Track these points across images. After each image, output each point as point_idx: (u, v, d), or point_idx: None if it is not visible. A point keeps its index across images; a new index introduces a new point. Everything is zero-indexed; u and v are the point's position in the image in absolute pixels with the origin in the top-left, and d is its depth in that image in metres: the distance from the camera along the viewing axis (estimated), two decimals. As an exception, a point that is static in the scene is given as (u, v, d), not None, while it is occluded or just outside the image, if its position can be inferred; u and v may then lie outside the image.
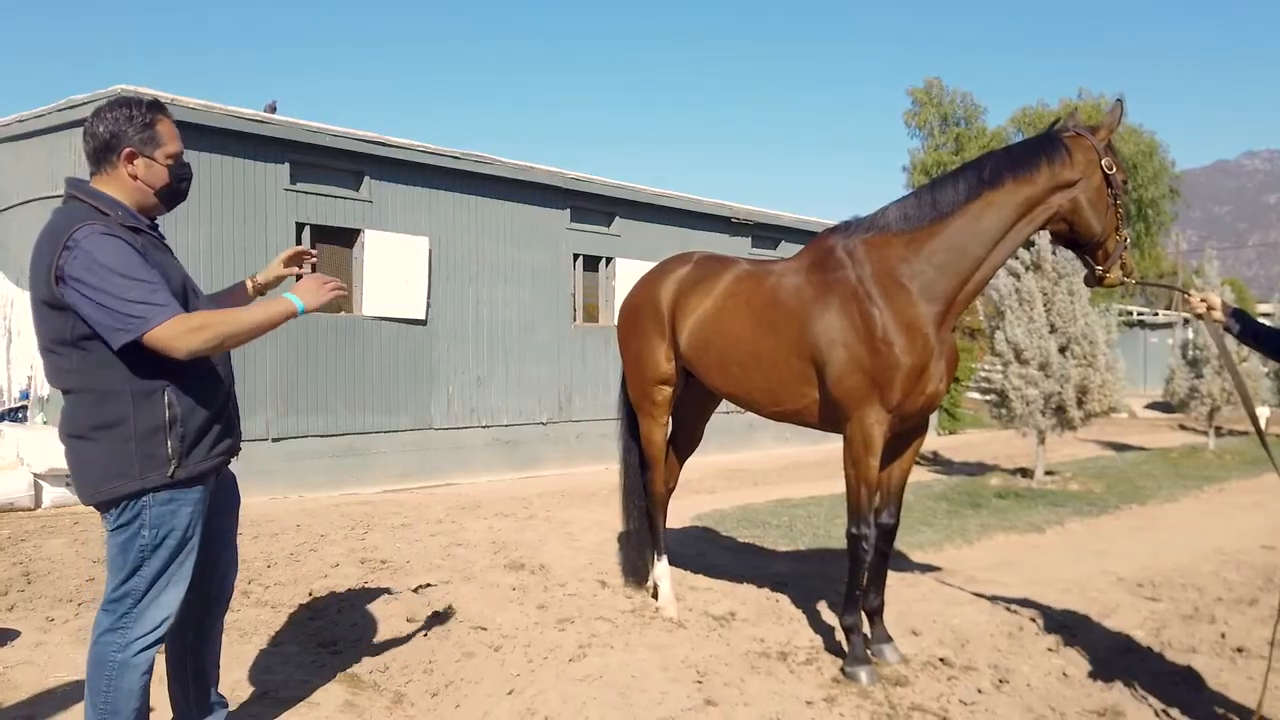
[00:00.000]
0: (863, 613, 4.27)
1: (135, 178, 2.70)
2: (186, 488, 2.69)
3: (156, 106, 2.75)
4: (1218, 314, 3.38)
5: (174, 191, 2.81)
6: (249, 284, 3.27)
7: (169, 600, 2.71)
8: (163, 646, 3.06)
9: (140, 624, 2.67)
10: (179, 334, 2.55)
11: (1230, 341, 3.63)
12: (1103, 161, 3.98)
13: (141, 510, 2.63)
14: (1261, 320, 3.53)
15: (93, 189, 2.69)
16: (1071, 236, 4.09)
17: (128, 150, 2.67)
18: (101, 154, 2.69)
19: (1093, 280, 4.12)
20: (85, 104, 8.76)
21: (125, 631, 2.65)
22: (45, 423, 9.16)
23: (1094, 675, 4.14)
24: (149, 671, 2.72)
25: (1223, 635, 4.72)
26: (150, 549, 2.65)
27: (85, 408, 2.61)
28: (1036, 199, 4.00)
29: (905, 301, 4.04)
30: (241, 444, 3.00)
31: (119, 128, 2.67)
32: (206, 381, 2.76)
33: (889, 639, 4.37)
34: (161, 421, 2.62)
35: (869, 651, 4.20)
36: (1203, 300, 3.42)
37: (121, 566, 2.65)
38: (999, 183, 3.99)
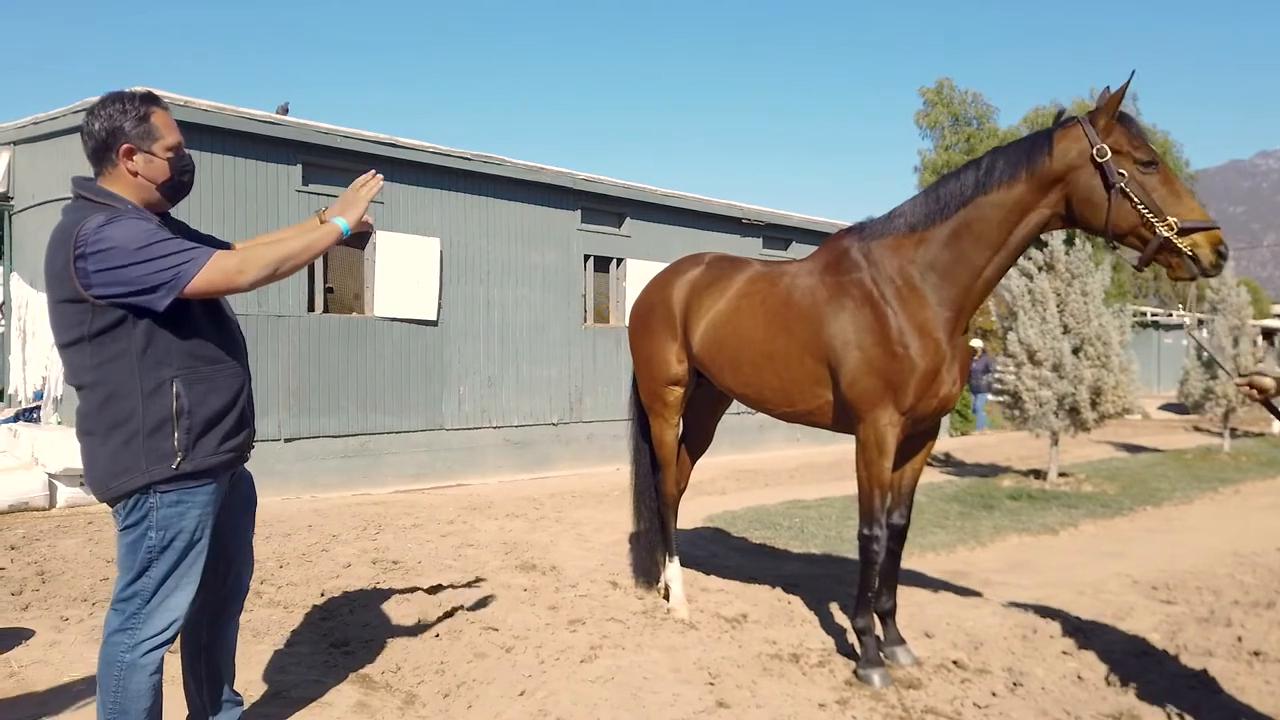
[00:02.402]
0: (875, 615, 4.25)
1: (136, 174, 2.68)
2: (194, 487, 2.68)
3: (150, 99, 2.71)
4: (1272, 390, 3.32)
5: (176, 184, 2.77)
6: (319, 219, 3.22)
7: (177, 603, 2.71)
8: (178, 646, 3.07)
9: (148, 625, 2.67)
10: (230, 268, 2.57)
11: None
12: (1094, 149, 3.66)
13: (149, 511, 2.63)
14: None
15: (99, 187, 2.68)
16: (1091, 231, 3.84)
17: (125, 146, 2.64)
18: (101, 153, 2.66)
19: (1172, 275, 3.69)
20: (99, 106, 8.81)
21: (134, 632, 2.66)
22: (60, 423, 9.22)
23: (1109, 679, 4.11)
24: (158, 672, 2.72)
25: (1239, 639, 4.67)
26: (158, 550, 2.65)
27: (97, 404, 2.62)
28: (1026, 203, 3.82)
29: (919, 304, 4.01)
30: (254, 443, 2.98)
31: (114, 124, 2.64)
32: (217, 375, 2.74)
33: (902, 641, 4.35)
34: (169, 414, 2.61)
35: (882, 654, 4.18)
36: (1250, 386, 3.33)
37: (130, 567, 2.66)
38: (988, 188, 3.85)
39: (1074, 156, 3.72)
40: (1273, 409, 3.40)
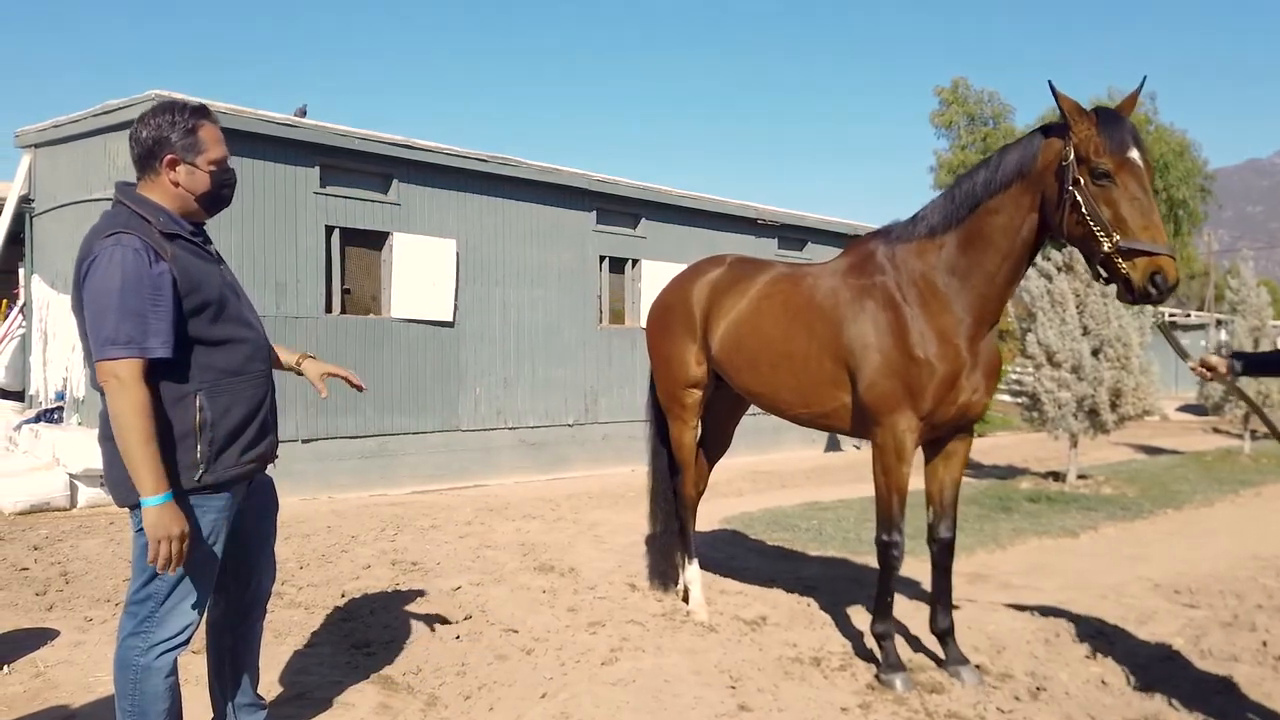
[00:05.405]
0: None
1: (177, 184, 2.70)
2: (211, 494, 2.68)
3: (200, 112, 2.75)
4: (1222, 369, 3.43)
5: (216, 198, 2.80)
6: (295, 359, 3.18)
7: (191, 606, 2.70)
8: (202, 648, 3.08)
9: (162, 629, 2.66)
10: (114, 377, 2.48)
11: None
12: (1063, 151, 3.53)
13: None
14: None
15: (137, 194, 2.70)
16: (1058, 235, 3.75)
17: (169, 157, 2.67)
18: (145, 160, 2.70)
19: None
20: (121, 109, 8.87)
21: (147, 635, 2.66)
22: (80, 424, 9.29)
23: (1133, 683, 4.07)
24: (173, 674, 2.72)
25: (1264, 643, 4.63)
26: None
27: None
28: (1025, 206, 3.73)
29: (941, 309, 3.97)
30: (277, 453, 2.96)
31: (162, 133, 2.67)
32: (240, 388, 2.74)
33: (965, 660, 4.19)
34: (192, 427, 2.61)
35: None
36: (1203, 366, 3.46)
37: (144, 569, 2.66)
38: (992, 192, 3.78)
39: (1050, 157, 3.64)
40: (1236, 389, 3.56)
